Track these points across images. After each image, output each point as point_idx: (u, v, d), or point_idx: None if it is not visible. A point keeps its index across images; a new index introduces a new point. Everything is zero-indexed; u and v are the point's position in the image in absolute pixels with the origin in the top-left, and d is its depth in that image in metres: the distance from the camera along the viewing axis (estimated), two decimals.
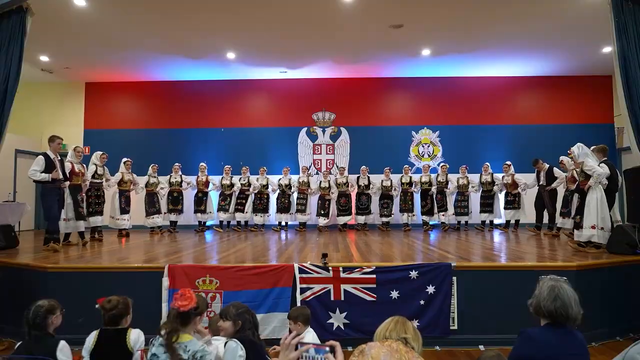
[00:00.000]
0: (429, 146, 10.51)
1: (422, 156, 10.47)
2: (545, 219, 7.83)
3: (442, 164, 9.52)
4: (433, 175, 9.28)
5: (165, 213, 8.84)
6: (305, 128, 10.61)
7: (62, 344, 2.39)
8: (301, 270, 4.17)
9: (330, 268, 4.15)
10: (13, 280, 4.49)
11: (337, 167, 10.12)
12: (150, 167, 8.63)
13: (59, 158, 5.98)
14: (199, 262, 4.72)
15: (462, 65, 9.69)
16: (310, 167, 10.35)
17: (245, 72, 10.05)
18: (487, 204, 8.90)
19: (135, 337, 2.42)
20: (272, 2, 6.65)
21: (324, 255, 4.30)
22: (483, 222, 9.02)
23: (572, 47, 8.57)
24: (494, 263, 4.44)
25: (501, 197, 8.91)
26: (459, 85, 10.47)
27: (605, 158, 5.75)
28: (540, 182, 7.92)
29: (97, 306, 2.41)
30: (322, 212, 9.16)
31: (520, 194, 8.50)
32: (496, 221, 9.55)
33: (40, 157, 5.71)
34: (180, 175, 9.05)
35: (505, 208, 8.74)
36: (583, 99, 10.35)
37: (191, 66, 9.63)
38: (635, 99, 5.08)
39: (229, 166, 9.37)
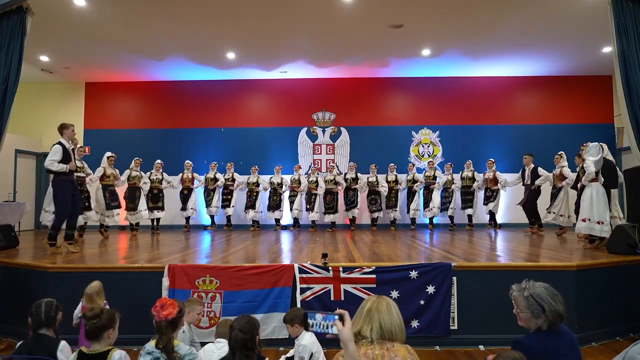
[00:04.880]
0: (429, 146, 10.52)
1: (422, 156, 10.47)
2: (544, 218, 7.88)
3: (429, 161, 9.64)
4: (419, 174, 9.34)
5: (142, 211, 8.34)
6: (305, 128, 10.61)
7: (63, 344, 2.38)
8: (301, 270, 4.16)
9: (330, 268, 4.15)
10: (13, 280, 4.49)
11: (337, 166, 10.16)
12: (133, 161, 8.32)
13: (72, 147, 5.66)
14: (199, 262, 4.71)
15: (462, 65, 9.70)
16: (310, 166, 10.36)
17: (245, 72, 10.06)
18: (467, 200, 9.01)
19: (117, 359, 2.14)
20: (272, 3, 6.65)
21: (324, 255, 4.30)
22: (470, 217, 9.06)
23: (572, 47, 8.57)
24: (494, 263, 4.44)
25: (480, 195, 9.02)
26: (459, 85, 10.47)
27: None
28: (525, 181, 8.06)
29: (79, 315, 2.21)
30: (308, 207, 9.18)
31: (499, 191, 8.63)
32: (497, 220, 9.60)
33: (58, 146, 5.32)
34: (162, 173, 8.79)
35: (484, 204, 8.85)
36: (583, 99, 10.35)
37: (191, 66, 9.63)
38: (635, 99, 5.08)
39: (215, 162, 9.44)
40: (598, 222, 5.25)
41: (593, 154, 5.46)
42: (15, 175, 9.60)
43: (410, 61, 9.44)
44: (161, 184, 8.72)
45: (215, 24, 7.40)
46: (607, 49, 8.31)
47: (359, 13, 6.99)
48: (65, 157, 5.35)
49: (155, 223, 8.79)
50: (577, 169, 6.88)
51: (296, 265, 4.18)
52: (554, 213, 7.41)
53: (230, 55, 8.94)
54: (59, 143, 5.39)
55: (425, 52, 8.85)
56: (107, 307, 2.97)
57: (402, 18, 7.27)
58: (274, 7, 6.81)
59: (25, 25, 5.46)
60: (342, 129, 10.60)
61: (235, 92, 10.59)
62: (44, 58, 8.94)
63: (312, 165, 10.25)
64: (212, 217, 9.46)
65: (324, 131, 10.61)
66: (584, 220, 5.37)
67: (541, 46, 8.51)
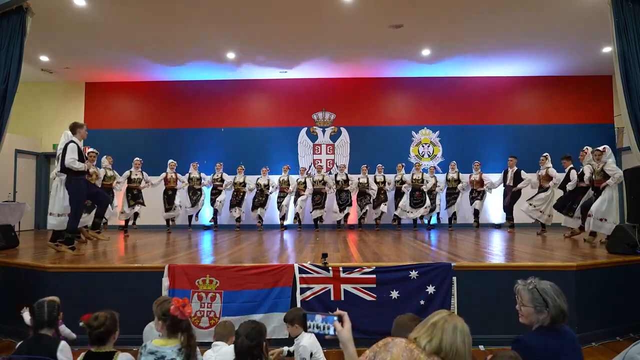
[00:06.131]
0: (429, 146, 10.52)
1: (422, 156, 10.47)
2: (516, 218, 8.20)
3: (416, 163, 9.70)
4: (407, 175, 9.31)
5: (124, 212, 8.13)
6: (305, 128, 10.61)
7: (63, 344, 2.39)
8: (301, 270, 4.16)
9: (330, 268, 4.15)
10: (13, 280, 4.49)
11: (337, 165, 10.15)
12: (105, 158, 7.81)
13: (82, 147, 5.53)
14: (198, 262, 4.71)
15: (462, 65, 9.70)
16: (309, 167, 10.35)
17: (245, 72, 10.05)
18: (451, 200, 9.08)
19: None
20: (272, 2, 6.65)
21: (324, 255, 4.30)
22: (450, 220, 9.15)
23: (572, 47, 8.57)
24: (494, 263, 4.44)
25: (465, 195, 9.08)
26: (459, 85, 10.47)
27: (572, 166, 6.91)
28: (507, 183, 8.22)
29: (80, 324, 2.21)
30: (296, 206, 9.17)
31: (485, 192, 8.72)
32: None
33: (73, 144, 5.20)
34: (141, 172, 8.34)
35: (471, 204, 8.92)
36: (583, 99, 10.35)
37: (191, 66, 9.63)
38: (635, 99, 5.08)
39: (196, 163, 9.38)
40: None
41: (612, 157, 5.78)
42: (15, 175, 9.60)
43: (410, 61, 9.44)
44: (140, 183, 8.29)
45: (215, 24, 7.40)
46: (607, 49, 8.31)
47: (359, 13, 6.99)
48: (80, 156, 5.27)
49: (127, 224, 8.34)
50: (566, 170, 7.03)
51: (296, 265, 4.18)
52: (541, 212, 7.49)
53: (230, 55, 8.94)
54: (73, 142, 5.26)
55: (425, 52, 8.85)
56: (62, 326, 2.91)
57: (402, 18, 7.26)
58: (274, 7, 6.81)
59: (25, 25, 5.46)
60: (342, 129, 10.60)
61: (235, 92, 10.59)
62: (44, 58, 8.93)
63: (312, 165, 10.27)
64: (190, 217, 9.29)
65: (324, 131, 10.61)
66: (601, 220, 5.64)
67: (541, 46, 8.51)
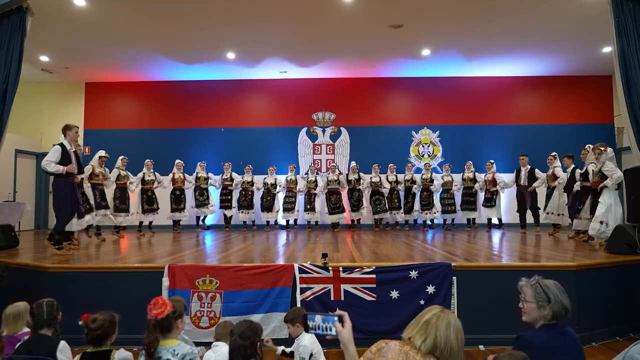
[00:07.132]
0: (429, 146, 10.52)
1: (422, 156, 10.48)
2: (530, 219, 8.08)
3: (426, 163, 9.71)
4: (417, 175, 9.32)
5: (139, 213, 8.23)
6: (305, 128, 10.61)
7: (63, 344, 2.39)
8: (301, 270, 4.16)
9: (330, 268, 4.15)
10: (13, 280, 4.48)
11: (337, 166, 10.14)
12: (119, 160, 7.95)
13: (74, 149, 5.53)
14: (199, 262, 4.71)
15: (462, 65, 9.70)
16: (310, 165, 10.34)
17: (245, 72, 10.06)
18: (469, 202, 9.03)
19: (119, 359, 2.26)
20: (272, 2, 6.65)
21: (324, 255, 4.29)
22: (469, 220, 9.15)
23: (572, 47, 8.57)
24: (494, 263, 4.44)
25: (482, 196, 9.03)
26: (459, 85, 10.47)
27: (574, 165, 6.91)
28: (522, 182, 8.06)
29: (80, 323, 2.22)
30: (308, 207, 9.13)
31: (498, 193, 8.65)
32: (495, 220, 9.60)
33: (57, 147, 5.24)
34: (154, 173, 8.45)
35: (483, 205, 8.88)
36: (583, 99, 10.35)
37: (191, 66, 9.63)
38: (635, 99, 5.08)
39: (203, 162, 9.38)
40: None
41: (612, 160, 5.66)
42: (15, 175, 9.60)
43: (410, 61, 9.44)
44: (154, 184, 8.41)
45: (215, 24, 7.40)
46: (607, 49, 8.32)
47: (359, 13, 6.99)
48: (65, 159, 5.27)
49: (141, 225, 8.38)
50: (568, 170, 7.00)
51: (296, 265, 4.17)
52: (552, 214, 7.47)
53: (230, 55, 8.94)
54: (60, 144, 5.31)
55: (425, 52, 8.85)
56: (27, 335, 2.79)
57: (402, 18, 7.27)
58: (274, 8, 6.81)
59: (25, 25, 5.47)
60: (342, 129, 10.60)
61: (235, 92, 10.59)
62: (44, 58, 8.93)
63: (312, 165, 10.26)
64: (198, 217, 9.28)
65: (324, 131, 10.61)
66: (601, 223, 5.46)
67: (541, 46, 8.51)
